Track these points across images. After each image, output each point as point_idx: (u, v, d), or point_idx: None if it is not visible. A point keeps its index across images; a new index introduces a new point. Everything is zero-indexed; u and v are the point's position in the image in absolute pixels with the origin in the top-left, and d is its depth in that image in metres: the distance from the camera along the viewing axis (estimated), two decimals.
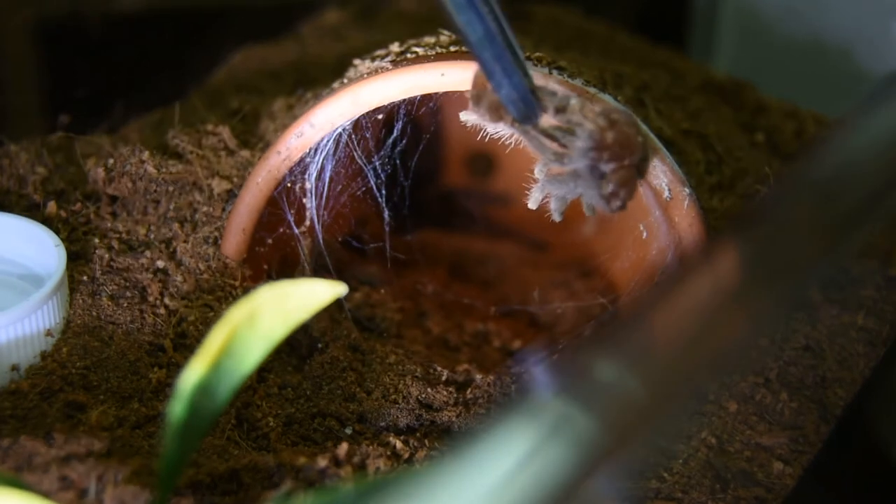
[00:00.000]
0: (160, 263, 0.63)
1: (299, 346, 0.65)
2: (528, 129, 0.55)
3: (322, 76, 0.81)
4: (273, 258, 0.67)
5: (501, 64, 0.52)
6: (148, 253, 0.64)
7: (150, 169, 0.66)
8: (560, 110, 0.55)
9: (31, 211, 0.66)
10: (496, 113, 0.54)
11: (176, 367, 0.59)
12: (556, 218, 0.58)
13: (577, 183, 0.55)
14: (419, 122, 0.66)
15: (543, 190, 0.57)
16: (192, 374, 0.46)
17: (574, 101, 0.54)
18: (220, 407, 0.47)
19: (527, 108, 0.54)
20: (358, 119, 0.61)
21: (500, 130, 0.56)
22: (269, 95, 0.77)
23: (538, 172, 0.56)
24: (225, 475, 0.52)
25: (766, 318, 0.49)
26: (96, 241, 0.64)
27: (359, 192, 0.67)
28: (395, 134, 0.65)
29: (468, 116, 0.56)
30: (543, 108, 0.55)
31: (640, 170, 0.55)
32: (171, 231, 0.65)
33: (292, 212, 0.65)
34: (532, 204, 0.58)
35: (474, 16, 0.51)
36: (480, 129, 0.57)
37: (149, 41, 1.01)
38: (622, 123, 0.54)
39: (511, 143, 0.56)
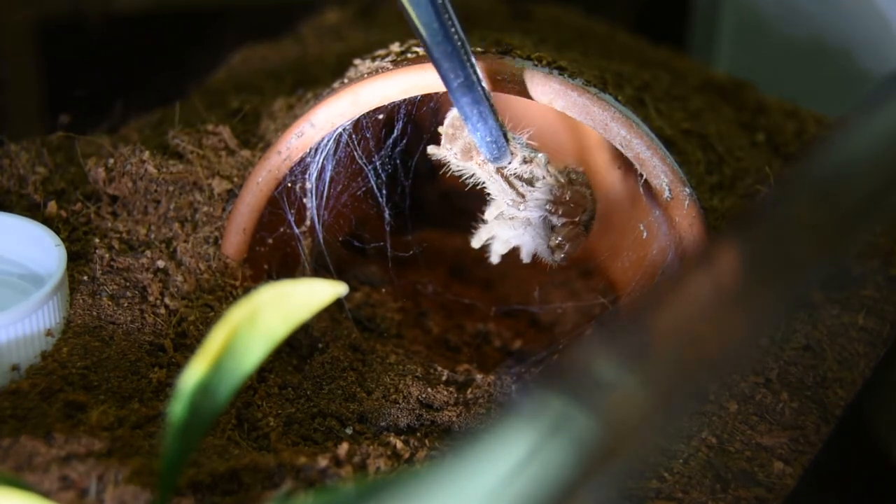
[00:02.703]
0: (160, 263, 0.63)
1: (300, 345, 0.65)
2: (493, 172, 0.59)
3: (322, 76, 0.81)
4: (273, 258, 0.67)
5: (479, 109, 0.56)
6: (148, 253, 0.64)
7: (151, 169, 0.66)
8: (527, 161, 0.59)
9: (32, 211, 0.66)
10: (468, 154, 0.59)
11: (176, 367, 0.59)
12: (494, 260, 0.63)
13: (526, 230, 0.61)
14: (419, 121, 0.66)
15: (491, 231, 0.62)
16: (193, 373, 0.46)
17: (541, 155, 0.59)
18: (220, 407, 0.47)
19: (499, 151, 0.58)
20: (358, 119, 0.61)
21: (464, 169, 0.60)
22: (270, 95, 0.77)
23: (488, 215, 0.61)
24: (225, 475, 0.52)
25: (766, 318, 0.49)
26: (96, 240, 0.64)
27: (359, 192, 0.67)
28: (395, 134, 0.65)
29: (436, 151, 0.60)
30: (513, 155, 0.59)
31: (586, 227, 0.60)
32: (171, 231, 0.65)
33: (293, 211, 0.65)
34: (476, 243, 0.63)
35: (458, 64, 0.55)
36: (445, 164, 0.61)
37: (149, 41, 1.01)
38: (579, 183, 0.60)
39: (470, 182, 0.60)
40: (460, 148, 0.59)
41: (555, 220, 0.59)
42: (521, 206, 0.60)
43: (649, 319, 0.43)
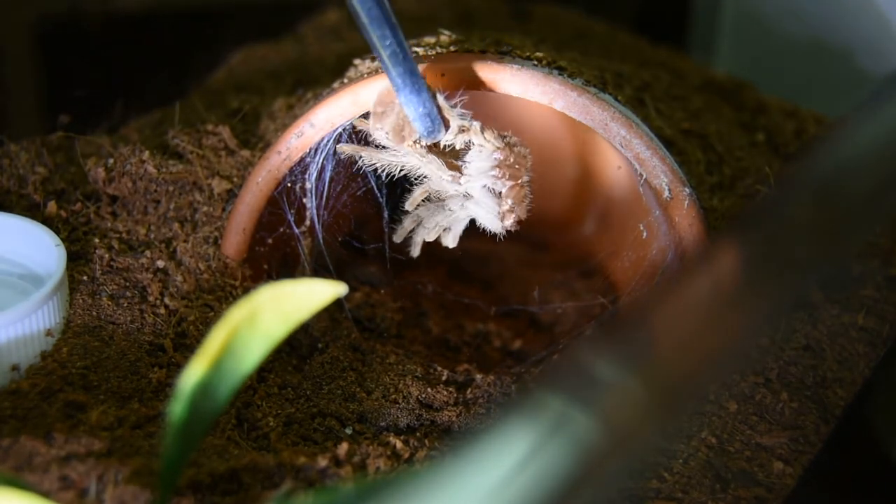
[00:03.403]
0: (160, 263, 0.63)
1: (299, 345, 0.65)
2: (426, 151, 0.57)
3: (322, 76, 0.81)
4: (273, 258, 0.67)
5: (412, 79, 0.55)
6: (148, 253, 0.64)
7: (151, 169, 0.66)
8: (463, 130, 0.57)
9: (32, 211, 0.66)
10: (399, 133, 0.57)
11: (176, 367, 0.59)
12: (415, 252, 0.61)
13: (464, 206, 0.58)
14: None
15: (416, 219, 0.60)
16: (193, 373, 0.46)
17: (476, 123, 0.57)
18: (220, 407, 0.47)
19: (433, 124, 0.56)
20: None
21: (385, 158, 0.58)
22: (270, 95, 0.77)
23: (410, 203, 0.59)
24: (225, 475, 0.52)
25: (766, 318, 0.49)
26: (96, 240, 0.64)
27: (359, 192, 0.67)
28: None
29: (346, 148, 0.59)
30: (447, 126, 0.57)
31: (530, 188, 0.58)
32: (171, 231, 0.65)
33: (292, 212, 0.65)
34: (399, 237, 0.61)
35: (388, 30, 0.53)
36: (357, 158, 0.59)
37: (149, 41, 1.01)
38: (517, 144, 0.58)
39: (391, 172, 0.58)
40: (392, 126, 0.56)
41: (500, 186, 0.57)
42: (463, 180, 0.58)
43: (649, 319, 0.43)
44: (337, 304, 0.67)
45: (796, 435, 0.60)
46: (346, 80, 0.63)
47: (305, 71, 0.84)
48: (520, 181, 0.57)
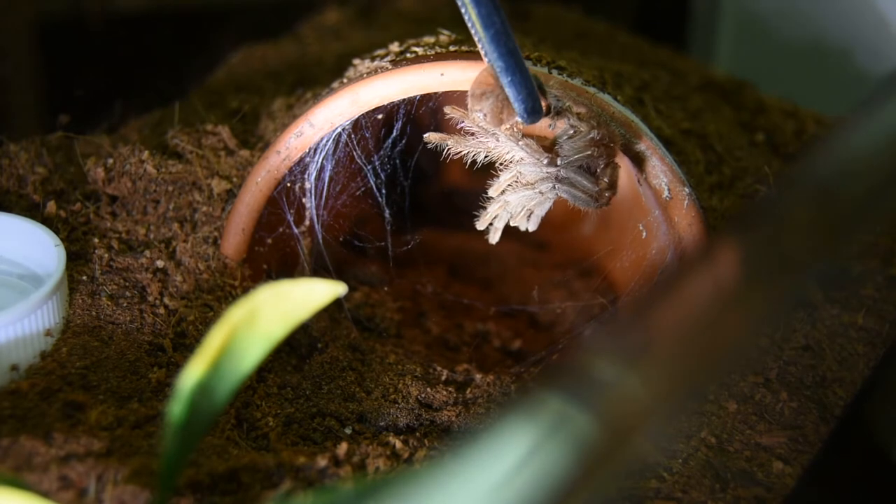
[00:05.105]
0: (160, 263, 0.63)
1: (299, 345, 0.65)
2: (521, 135, 0.56)
3: (322, 76, 0.81)
4: (273, 258, 0.67)
5: (515, 59, 0.53)
6: (147, 253, 0.64)
7: (150, 169, 0.66)
8: (559, 112, 0.56)
9: (31, 211, 0.66)
10: (498, 114, 0.55)
11: (175, 367, 0.59)
12: (494, 239, 0.59)
13: (556, 188, 0.57)
14: (419, 121, 0.66)
15: (504, 204, 0.58)
16: (192, 373, 0.46)
17: (570, 104, 0.56)
18: (219, 407, 0.47)
19: (534, 105, 0.55)
20: (357, 119, 0.61)
21: (476, 144, 0.57)
22: (269, 95, 0.77)
23: (494, 190, 0.58)
24: (224, 475, 0.52)
25: (766, 318, 0.49)
26: (96, 240, 0.64)
27: (358, 192, 0.67)
28: (394, 133, 0.65)
29: (433, 137, 0.58)
30: (547, 108, 0.56)
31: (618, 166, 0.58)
32: (170, 231, 0.65)
33: (292, 211, 0.65)
34: (482, 224, 0.59)
35: (493, 9, 0.52)
36: (441, 148, 0.58)
37: (149, 41, 1.01)
38: (606, 123, 0.57)
39: (480, 158, 0.57)
40: (490, 108, 0.55)
41: (596, 165, 0.57)
42: (559, 161, 0.57)
43: (648, 319, 0.43)
44: (336, 304, 0.67)
45: (796, 435, 0.60)
46: (345, 80, 0.63)
47: (305, 71, 0.84)
48: (615, 158, 0.57)
